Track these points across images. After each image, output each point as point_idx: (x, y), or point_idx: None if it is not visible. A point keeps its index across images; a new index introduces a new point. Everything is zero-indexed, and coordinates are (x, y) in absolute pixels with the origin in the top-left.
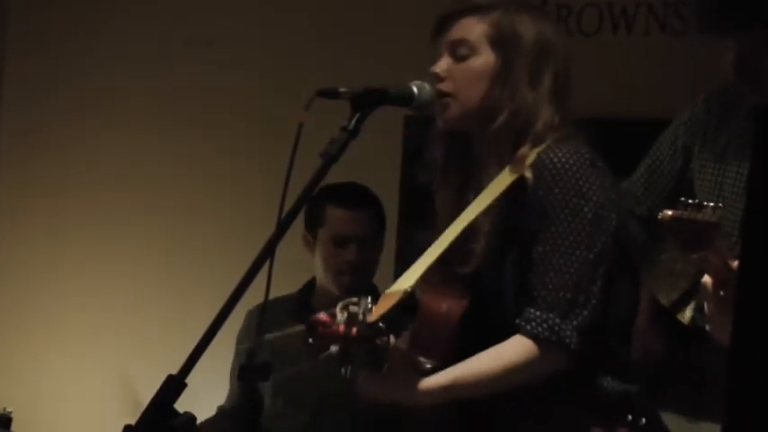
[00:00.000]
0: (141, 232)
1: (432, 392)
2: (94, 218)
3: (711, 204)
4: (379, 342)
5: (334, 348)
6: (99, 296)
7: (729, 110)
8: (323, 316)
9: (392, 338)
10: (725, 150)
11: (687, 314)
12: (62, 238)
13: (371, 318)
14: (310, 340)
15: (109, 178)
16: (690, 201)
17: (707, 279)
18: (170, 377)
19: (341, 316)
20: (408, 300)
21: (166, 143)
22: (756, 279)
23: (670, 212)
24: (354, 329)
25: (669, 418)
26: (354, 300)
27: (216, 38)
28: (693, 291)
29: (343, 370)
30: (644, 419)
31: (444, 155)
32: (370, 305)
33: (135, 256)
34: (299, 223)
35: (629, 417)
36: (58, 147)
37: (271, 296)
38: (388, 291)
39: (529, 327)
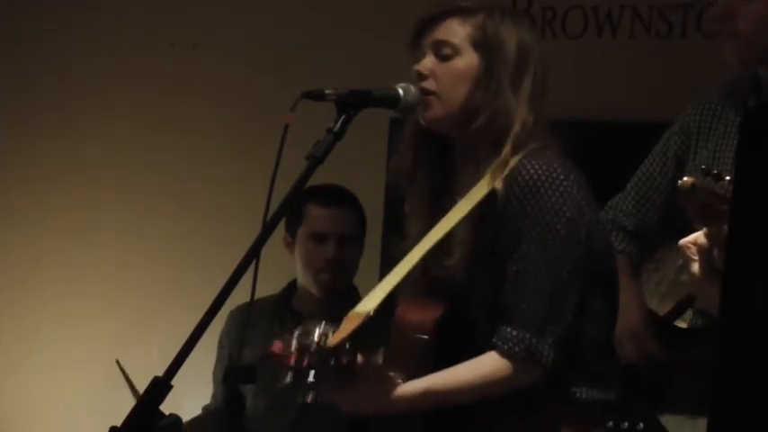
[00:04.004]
0: (125, 234)
1: (405, 398)
2: (78, 215)
3: (728, 178)
4: (345, 362)
5: (288, 378)
6: (79, 289)
7: (719, 116)
8: (276, 348)
9: (359, 357)
10: (714, 155)
11: (686, 318)
12: (43, 239)
13: (332, 341)
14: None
15: (94, 178)
16: (711, 171)
17: (699, 239)
18: (156, 379)
19: (294, 344)
20: (387, 314)
21: (153, 144)
22: (740, 277)
23: (690, 180)
24: (306, 361)
25: (668, 419)
26: (310, 328)
27: (200, 40)
28: (685, 303)
29: (299, 398)
30: (642, 424)
31: (416, 157)
32: (325, 330)
33: (118, 257)
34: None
35: (626, 423)
36: (41, 144)
37: (260, 295)
38: (351, 312)
39: (506, 346)
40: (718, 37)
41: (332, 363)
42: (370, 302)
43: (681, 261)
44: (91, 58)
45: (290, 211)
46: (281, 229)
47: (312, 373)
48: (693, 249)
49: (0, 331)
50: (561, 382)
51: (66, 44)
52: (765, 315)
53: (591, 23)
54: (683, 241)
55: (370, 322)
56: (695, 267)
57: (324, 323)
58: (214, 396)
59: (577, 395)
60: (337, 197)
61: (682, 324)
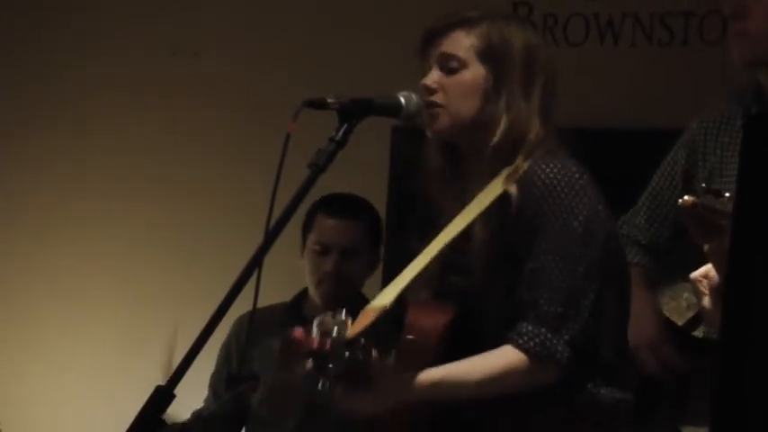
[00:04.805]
0: (127, 239)
1: (420, 388)
2: (77, 219)
3: (728, 194)
4: (360, 357)
5: (309, 364)
6: (83, 295)
7: (724, 126)
8: (298, 334)
9: (374, 353)
10: (721, 164)
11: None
12: (42, 239)
13: (349, 334)
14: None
15: (94, 181)
16: (710, 188)
17: (710, 273)
18: (158, 388)
19: (315, 332)
20: (399, 315)
21: (153, 146)
22: (742, 284)
23: (691, 199)
24: (328, 344)
25: (688, 431)
26: (329, 315)
27: (200, 41)
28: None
29: (320, 384)
30: None
31: (441, 164)
32: (344, 318)
33: (120, 262)
34: (289, 232)
35: None
36: (40, 146)
37: (265, 304)
38: (368, 306)
39: (521, 341)
40: (726, 37)
41: (347, 355)
42: (385, 297)
43: (693, 298)
44: (91, 59)
45: (304, 218)
46: (284, 237)
47: (331, 364)
48: (704, 283)
49: (5, 337)
50: (579, 381)
51: (66, 44)
52: (767, 322)
53: (592, 31)
54: (694, 275)
55: (382, 326)
56: (706, 301)
57: (344, 311)
58: (206, 401)
59: (599, 394)
60: (346, 208)
61: (699, 334)
